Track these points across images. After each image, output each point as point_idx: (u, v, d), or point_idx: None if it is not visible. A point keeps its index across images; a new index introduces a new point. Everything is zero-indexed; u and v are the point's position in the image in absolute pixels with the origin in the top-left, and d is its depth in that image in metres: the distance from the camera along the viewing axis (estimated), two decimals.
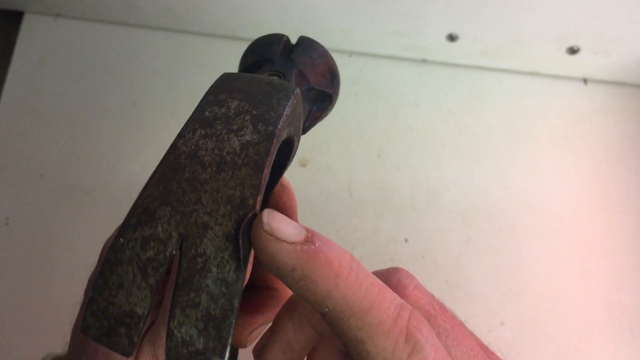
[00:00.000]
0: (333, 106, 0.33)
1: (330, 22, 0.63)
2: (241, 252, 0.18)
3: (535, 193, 0.63)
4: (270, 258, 0.19)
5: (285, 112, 0.22)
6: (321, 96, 0.32)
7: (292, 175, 0.62)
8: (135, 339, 0.18)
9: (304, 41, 0.32)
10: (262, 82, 0.24)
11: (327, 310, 0.19)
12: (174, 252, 0.19)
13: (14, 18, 0.66)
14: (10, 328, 0.54)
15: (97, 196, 0.59)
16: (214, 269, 0.18)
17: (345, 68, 0.67)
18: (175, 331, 0.18)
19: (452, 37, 0.64)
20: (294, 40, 0.32)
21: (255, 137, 0.21)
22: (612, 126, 0.68)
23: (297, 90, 0.24)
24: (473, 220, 0.61)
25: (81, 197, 0.59)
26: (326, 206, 0.60)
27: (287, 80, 0.28)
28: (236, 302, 0.18)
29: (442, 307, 0.23)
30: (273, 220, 0.19)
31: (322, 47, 0.33)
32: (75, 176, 0.60)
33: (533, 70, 0.69)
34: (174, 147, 0.21)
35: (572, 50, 0.64)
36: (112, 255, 0.19)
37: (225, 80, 0.24)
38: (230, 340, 0.18)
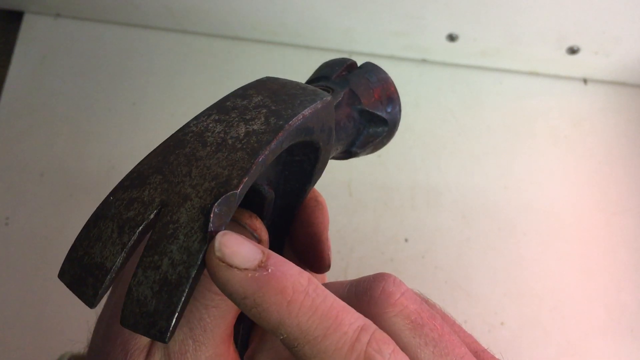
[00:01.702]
0: (390, 135, 0.33)
1: (330, 22, 0.63)
2: (210, 225, 0.19)
3: (535, 193, 0.63)
4: (221, 285, 0.19)
5: (303, 112, 0.22)
6: (375, 120, 0.31)
7: None
8: (100, 292, 0.19)
9: (367, 65, 0.32)
10: (297, 86, 0.24)
11: (282, 337, 0.19)
12: (152, 216, 0.19)
13: (14, 18, 0.66)
14: (11, 328, 0.54)
15: (97, 196, 0.58)
16: (182, 237, 0.19)
17: None
18: (134, 289, 0.18)
19: (452, 37, 0.64)
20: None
21: (263, 127, 0.21)
22: (612, 126, 0.68)
23: (329, 98, 0.24)
24: (473, 220, 0.61)
25: (81, 197, 0.59)
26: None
27: (334, 95, 0.27)
28: (193, 272, 0.18)
29: (431, 314, 0.22)
30: (225, 245, 0.18)
31: (385, 73, 0.33)
32: (75, 176, 0.60)
33: (533, 70, 0.69)
34: (185, 126, 0.22)
35: (572, 50, 0.64)
36: (99, 210, 0.20)
37: (262, 80, 0.24)
38: (179, 308, 0.18)
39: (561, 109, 0.68)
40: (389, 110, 0.32)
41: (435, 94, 0.67)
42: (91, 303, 0.19)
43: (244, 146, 0.21)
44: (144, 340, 0.22)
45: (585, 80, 0.70)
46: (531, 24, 0.61)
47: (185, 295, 0.18)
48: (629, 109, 0.69)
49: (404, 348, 0.20)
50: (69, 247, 0.19)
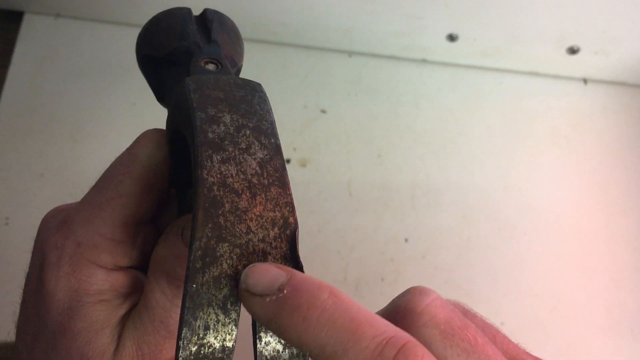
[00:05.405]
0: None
1: (330, 22, 0.63)
2: (302, 268, 0.20)
3: (535, 193, 0.63)
4: (250, 313, 0.20)
5: (273, 119, 0.24)
6: (238, 72, 0.33)
7: (292, 175, 0.62)
8: None
9: (215, 16, 0.33)
10: (229, 84, 0.25)
11: (308, 354, 0.19)
12: None
13: (14, 18, 0.66)
14: (12, 328, 0.54)
15: None
16: None
17: (345, 68, 0.67)
18: (264, 351, 0.20)
19: (452, 37, 0.64)
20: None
21: (265, 152, 0.22)
22: (612, 126, 0.68)
23: (262, 87, 0.26)
24: (473, 220, 0.61)
25: (81, 197, 0.59)
26: (326, 206, 0.60)
27: (224, 67, 0.29)
28: None
29: (464, 323, 0.21)
30: (249, 277, 0.19)
31: (230, 20, 0.34)
32: (75, 176, 0.60)
33: (533, 70, 0.69)
34: (202, 179, 0.21)
35: (572, 50, 0.64)
36: (190, 303, 0.20)
37: (198, 90, 0.24)
38: None
39: (561, 109, 0.68)
40: (243, 55, 0.33)
41: (435, 94, 0.67)
42: None
43: (270, 180, 0.22)
44: (101, 345, 0.23)
45: (585, 80, 0.70)
46: (531, 24, 0.61)
47: None
48: (629, 109, 0.69)
49: None
50: (177, 347, 0.20)
